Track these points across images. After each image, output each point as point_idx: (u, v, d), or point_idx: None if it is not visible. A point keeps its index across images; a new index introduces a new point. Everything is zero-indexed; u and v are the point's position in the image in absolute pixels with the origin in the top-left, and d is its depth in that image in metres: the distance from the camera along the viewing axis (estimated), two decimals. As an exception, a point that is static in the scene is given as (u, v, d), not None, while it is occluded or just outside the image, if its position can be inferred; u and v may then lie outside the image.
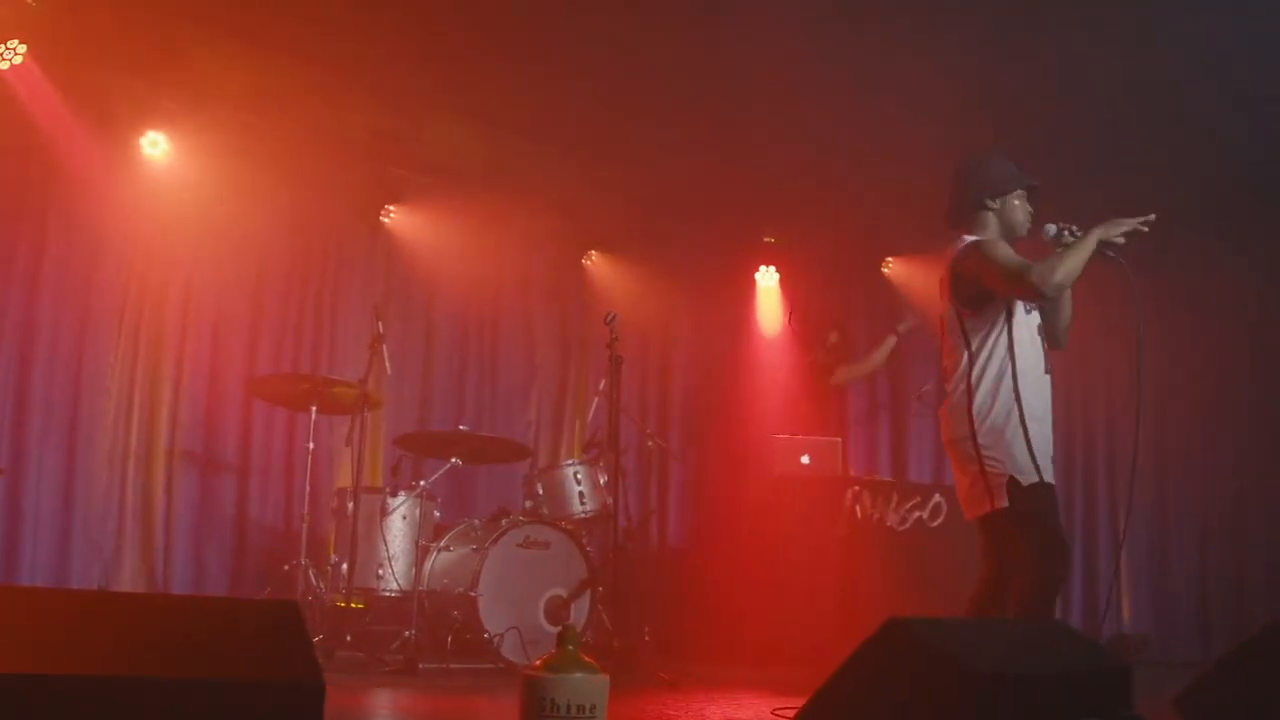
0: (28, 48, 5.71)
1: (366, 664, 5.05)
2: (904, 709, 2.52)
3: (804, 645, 5.91)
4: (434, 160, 7.12)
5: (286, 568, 5.68)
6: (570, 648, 2.77)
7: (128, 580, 6.14)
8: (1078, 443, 8.23)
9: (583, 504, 5.93)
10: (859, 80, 6.03)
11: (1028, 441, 3.53)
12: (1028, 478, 3.51)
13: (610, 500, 5.83)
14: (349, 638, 5.25)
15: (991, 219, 3.76)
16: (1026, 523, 3.51)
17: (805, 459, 6.62)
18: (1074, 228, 3.65)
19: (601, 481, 6.00)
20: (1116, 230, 3.58)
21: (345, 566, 5.48)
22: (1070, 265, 3.52)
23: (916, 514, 6.45)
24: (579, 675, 2.71)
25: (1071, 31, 5.56)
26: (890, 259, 8.42)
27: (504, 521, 5.63)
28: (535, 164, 7.12)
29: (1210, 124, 6.28)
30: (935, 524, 6.44)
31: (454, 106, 6.54)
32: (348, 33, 5.81)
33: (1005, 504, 3.50)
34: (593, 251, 7.98)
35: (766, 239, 8.24)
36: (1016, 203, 3.77)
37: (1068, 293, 3.71)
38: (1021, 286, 3.55)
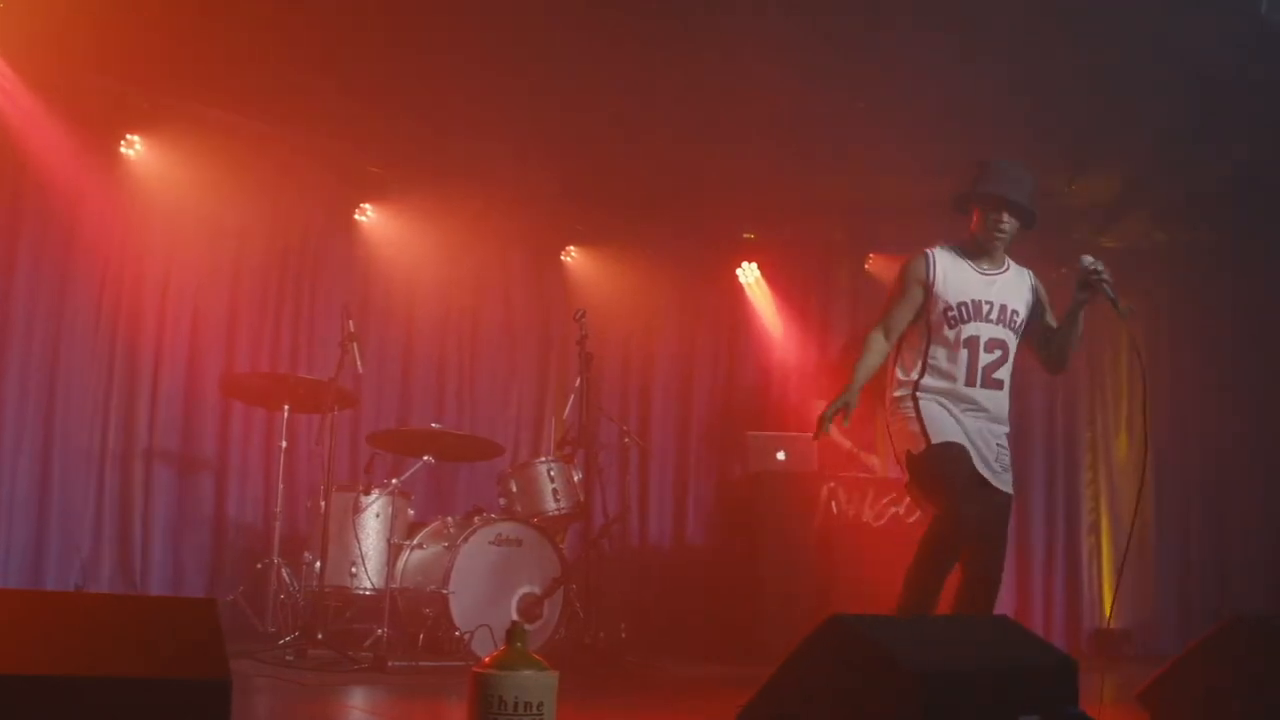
0: (-4, 48, 5.72)
1: (337, 661, 5.05)
2: (845, 706, 2.53)
3: (781, 641, 5.90)
4: (410, 158, 7.12)
5: (260, 565, 5.70)
6: (519, 645, 2.78)
7: (106, 580, 6.15)
8: (1059, 441, 8.24)
9: (556, 501, 5.93)
10: (839, 76, 6.02)
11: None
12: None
13: (582, 497, 5.84)
14: (320, 635, 5.24)
15: (968, 222, 4.04)
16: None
17: (781, 455, 6.63)
18: (1102, 269, 3.85)
19: (576, 478, 6.00)
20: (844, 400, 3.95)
21: (318, 564, 5.48)
22: (859, 371, 3.98)
23: (892, 509, 6.47)
24: (527, 672, 2.72)
25: (1055, 32, 5.54)
26: (872, 255, 8.41)
27: (476, 519, 5.64)
28: (513, 160, 7.11)
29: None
30: (911, 519, 6.45)
31: (431, 104, 6.52)
32: (323, 32, 5.80)
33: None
34: (571, 247, 7.97)
35: (746, 235, 8.24)
36: (990, 215, 3.97)
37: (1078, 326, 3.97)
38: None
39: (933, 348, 3.90)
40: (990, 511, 3.85)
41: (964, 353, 3.86)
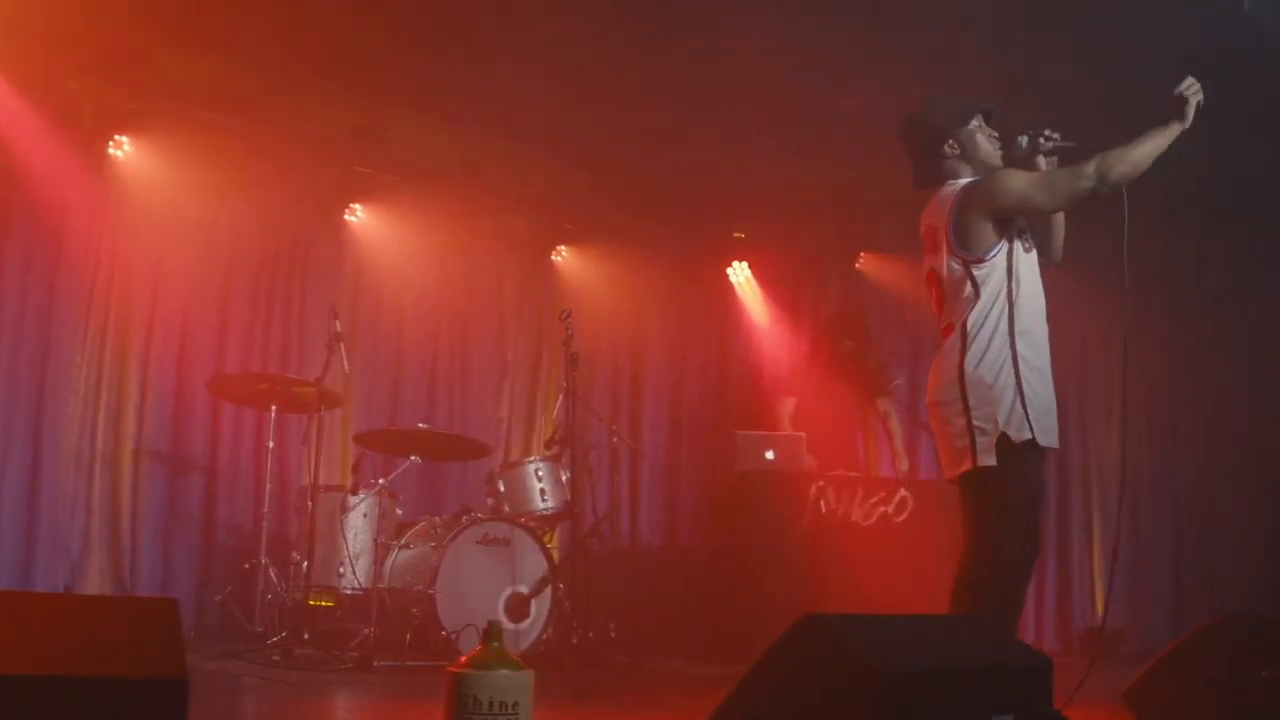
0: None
1: (324, 661, 5.05)
2: (818, 706, 2.52)
3: (769, 640, 5.89)
4: (400, 158, 7.12)
5: (247, 566, 5.69)
6: (495, 645, 2.78)
7: (94, 581, 6.15)
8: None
9: (544, 500, 5.93)
10: (832, 74, 6.01)
11: (1022, 396, 3.17)
12: (1020, 434, 3.15)
13: (570, 496, 5.84)
14: (307, 635, 5.24)
15: (960, 165, 3.40)
16: (994, 490, 3.17)
17: (770, 454, 6.61)
18: (1049, 133, 3.40)
19: (564, 478, 5.99)
20: (1189, 116, 3.23)
21: (306, 565, 5.48)
22: (1137, 155, 3.23)
23: (881, 509, 6.46)
24: (503, 672, 2.72)
25: (1050, 30, 5.52)
26: (863, 254, 8.41)
27: (464, 519, 5.64)
28: (503, 160, 7.12)
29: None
30: (900, 519, 6.45)
31: (420, 104, 6.52)
32: (313, 32, 5.80)
33: (993, 462, 3.14)
34: (562, 247, 7.97)
35: (737, 234, 8.23)
36: (978, 136, 3.42)
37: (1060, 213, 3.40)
38: (1061, 196, 3.24)
39: (1017, 288, 3.26)
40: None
41: (1041, 283, 3.31)
